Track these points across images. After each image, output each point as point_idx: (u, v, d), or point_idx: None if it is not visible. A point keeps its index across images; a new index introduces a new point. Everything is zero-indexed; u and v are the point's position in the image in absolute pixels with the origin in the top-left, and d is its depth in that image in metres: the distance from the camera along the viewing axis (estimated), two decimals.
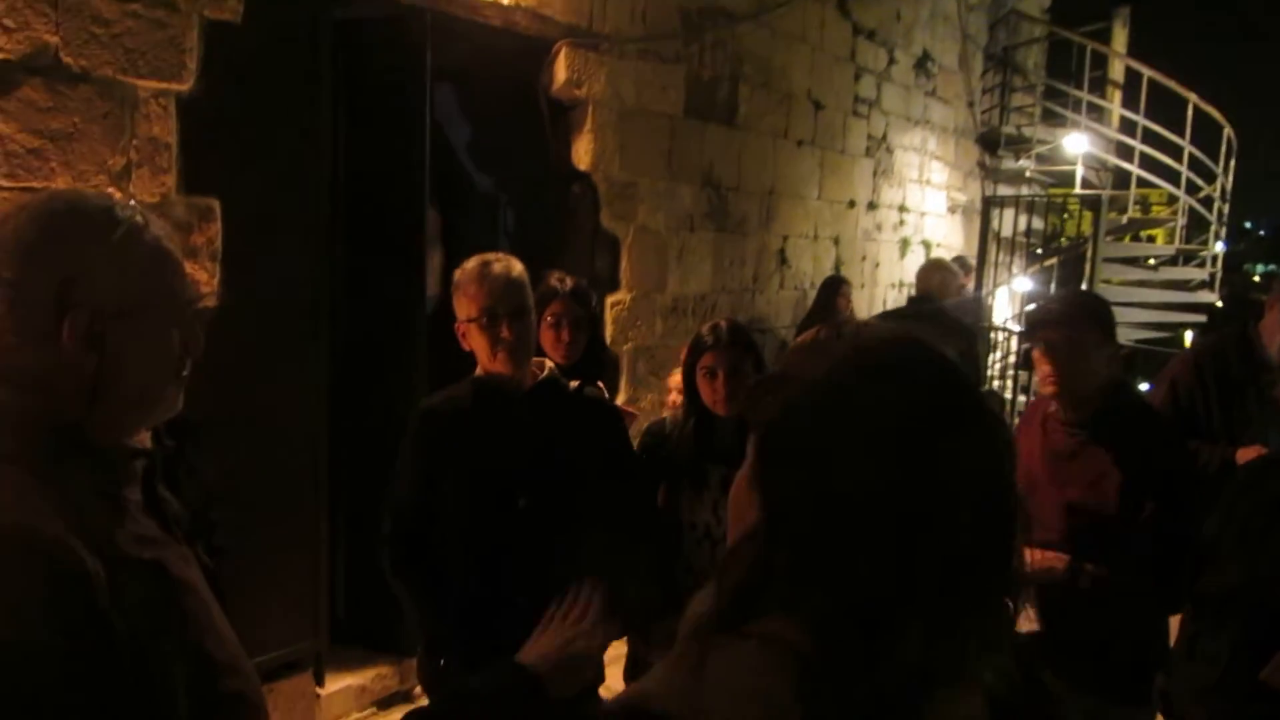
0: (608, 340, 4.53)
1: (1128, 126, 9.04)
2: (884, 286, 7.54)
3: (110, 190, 2.62)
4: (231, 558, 1.96)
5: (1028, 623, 1.97)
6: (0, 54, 2.40)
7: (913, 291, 5.85)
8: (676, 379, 4.07)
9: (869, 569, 0.73)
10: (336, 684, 3.50)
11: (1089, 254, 7.58)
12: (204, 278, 2.86)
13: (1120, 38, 10.44)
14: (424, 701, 3.43)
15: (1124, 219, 8.89)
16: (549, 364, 2.29)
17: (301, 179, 3.20)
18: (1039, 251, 8.00)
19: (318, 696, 3.42)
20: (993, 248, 7.95)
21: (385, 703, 3.64)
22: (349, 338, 3.55)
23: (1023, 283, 7.68)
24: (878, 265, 7.40)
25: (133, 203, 1.18)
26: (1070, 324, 2.29)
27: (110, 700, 0.99)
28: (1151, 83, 8.72)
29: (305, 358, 3.27)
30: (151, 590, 1.09)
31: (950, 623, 0.73)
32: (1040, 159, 9.15)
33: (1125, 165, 8.91)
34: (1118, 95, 9.76)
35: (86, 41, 2.57)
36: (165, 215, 2.70)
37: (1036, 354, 2.33)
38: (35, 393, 1.07)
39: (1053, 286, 7.53)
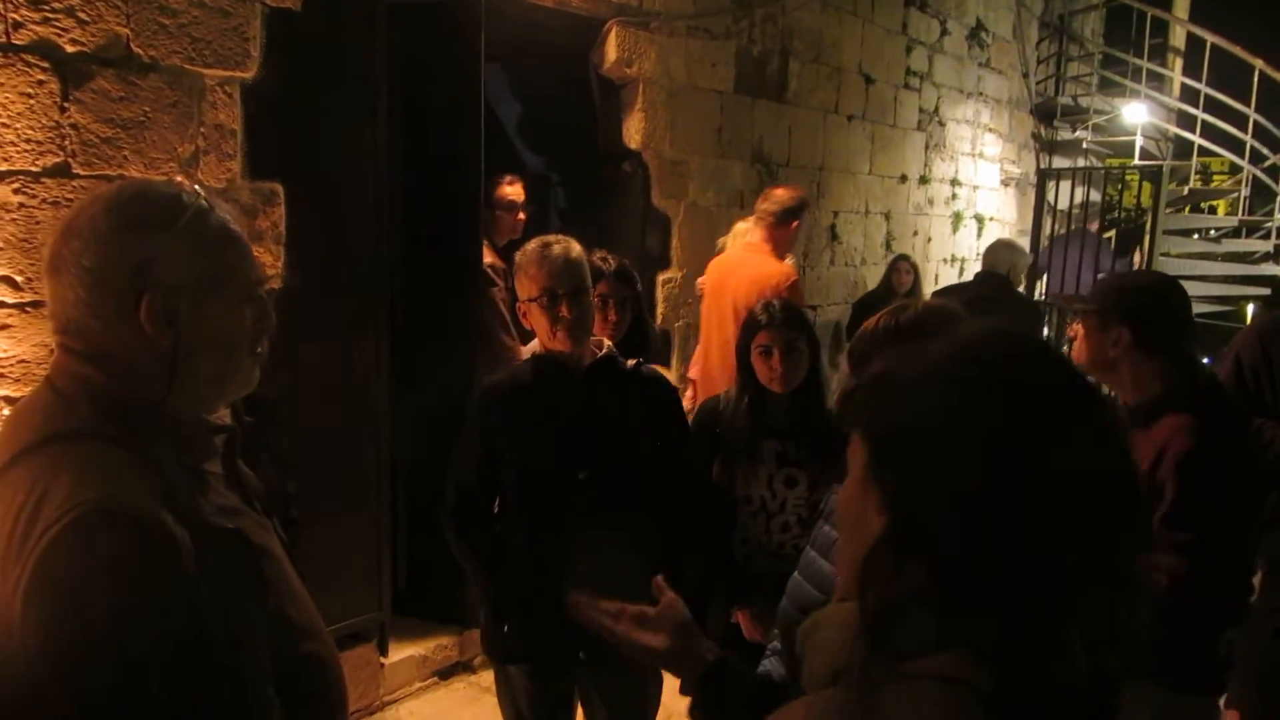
0: (659, 318, 4.56)
1: (1189, 95, 8.79)
2: (935, 262, 7.45)
3: (179, 177, 2.70)
4: (302, 530, 2.04)
5: None
6: (75, 46, 2.49)
7: (978, 268, 5.78)
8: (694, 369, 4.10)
9: (1019, 579, 0.72)
10: (399, 654, 3.60)
11: (1149, 226, 7.41)
12: (269, 260, 2.94)
13: (1182, 3, 10.12)
14: (485, 671, 3.52)
15: (1185, 190, 8.66)
16: (608, 342, 2.33)
17: (360, 161, 3.27)
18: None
19: (381, 666, 3.53)
20: (1047, 221, 7.81)
21: (446, 673, 3.73)
22: (409, 316, 3.61)
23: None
24: (929, 240, 7.32)
25: (197, 187, 1.21)
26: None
27: (200, 662, 1.04)
28: (1214, 49, 8.45)
29: (367, 336, 3.35)
30: (234, 558, 1.14)
31: (1102, 633, 0.73)
32: (1097, 130, 8.94)
33: (1187, 135, 8.67)
34: (1179, 63, 9.48)
35: (155, 32, 2.64)
36: (231, 200, 2.78)
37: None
38: (119, 372, 1.13)
39: (1111, 260, 7.38)
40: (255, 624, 1.15)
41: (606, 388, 2.23)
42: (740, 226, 4.13)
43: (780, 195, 3.88)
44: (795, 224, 3.88)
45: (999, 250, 5.19)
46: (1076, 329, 2.29)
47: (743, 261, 3.85)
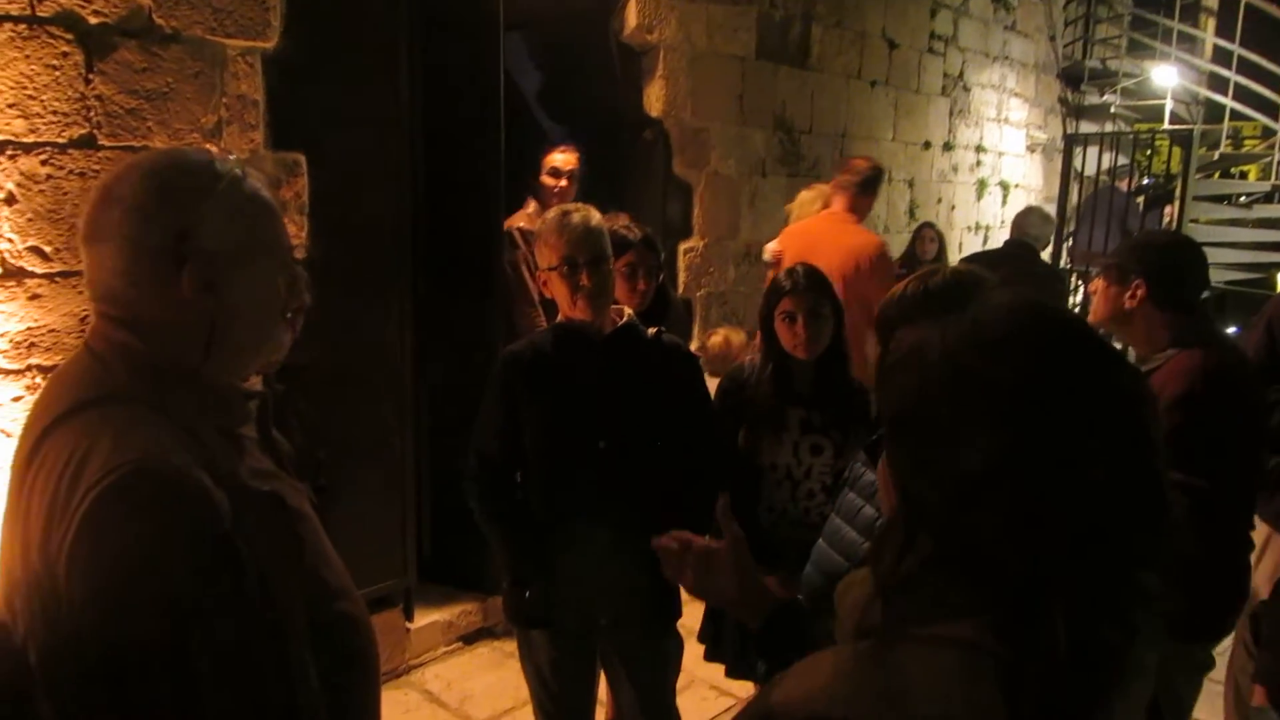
0: (681, 287, 4.55)
1: (1222, 56, 8.60)
2: (960, 229, 7.37)
3: (206, 146, 2.72)
4: (330, 496, 2.07)
5: None
6: (98, 18, 2.50)
7: (1004, 235, 5.73)
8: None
9: (1010, 553, 0.73)
10: (424, 619, 3.66)
11: (1178, 192, 7.29)
12: (293, 230, 2.96)
13: None
14: (509, 638, 3.58)
15: (1215, 155, 8.51)
16: (628, 310, 2.33)
17: (381, 130, 3.28)
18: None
19: (407, 631, 3.59)
20: (1074, 187, 7.70)
21: (470, 638, 3.79)
22: (432, 282, 3.63)
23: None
24: (954, 208, 7.24)
25: (231, 156, 1.23)
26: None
27: (239, 621, 1.06)
28: (1249, 8, 8.25)
29: (390, 303, 3.38)
30: (270, 519, 1.16)
31: (1116, 607, 0.73)
32: (1126, 94, 8.77)
33: (1218, 98, 8.49)
34: (1211, 23, 9.28)
35: (177, 3, 2.65)
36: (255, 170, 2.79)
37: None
38: (157, 338, 1.15)
39: (1140, 220, 7.28)
40: (291, 584, 1.17)
41: (627, 357, 2.24)
42: (806, 195, 4.28)
43: (860, 165, 4.08)
44: (874, 193, 4.11)
45: (1030, 217, 5.14)
46: (1096, 284, 2.36)
47: (830, 230, 3.97)
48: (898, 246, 6.27)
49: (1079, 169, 7.91)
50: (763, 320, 2.59)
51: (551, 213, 2.25)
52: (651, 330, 2.35)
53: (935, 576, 0.76)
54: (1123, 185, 7.08)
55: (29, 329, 2.46)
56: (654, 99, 4.38)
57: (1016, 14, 7.73)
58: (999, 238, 7.77)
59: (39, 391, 1.23)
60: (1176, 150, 7.37)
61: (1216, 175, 8.83)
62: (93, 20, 2.49)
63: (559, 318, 2.29)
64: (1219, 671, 2.46)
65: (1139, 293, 2.22)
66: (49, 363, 2.49)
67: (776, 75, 5.05)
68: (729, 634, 2.62)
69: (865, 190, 4.05)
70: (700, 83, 4.54)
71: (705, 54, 4.56)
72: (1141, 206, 7.33)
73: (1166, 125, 8.41)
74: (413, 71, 3.43)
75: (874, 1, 5.82)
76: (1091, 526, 0.72)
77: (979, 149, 7.49)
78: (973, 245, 7.35)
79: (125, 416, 1.09)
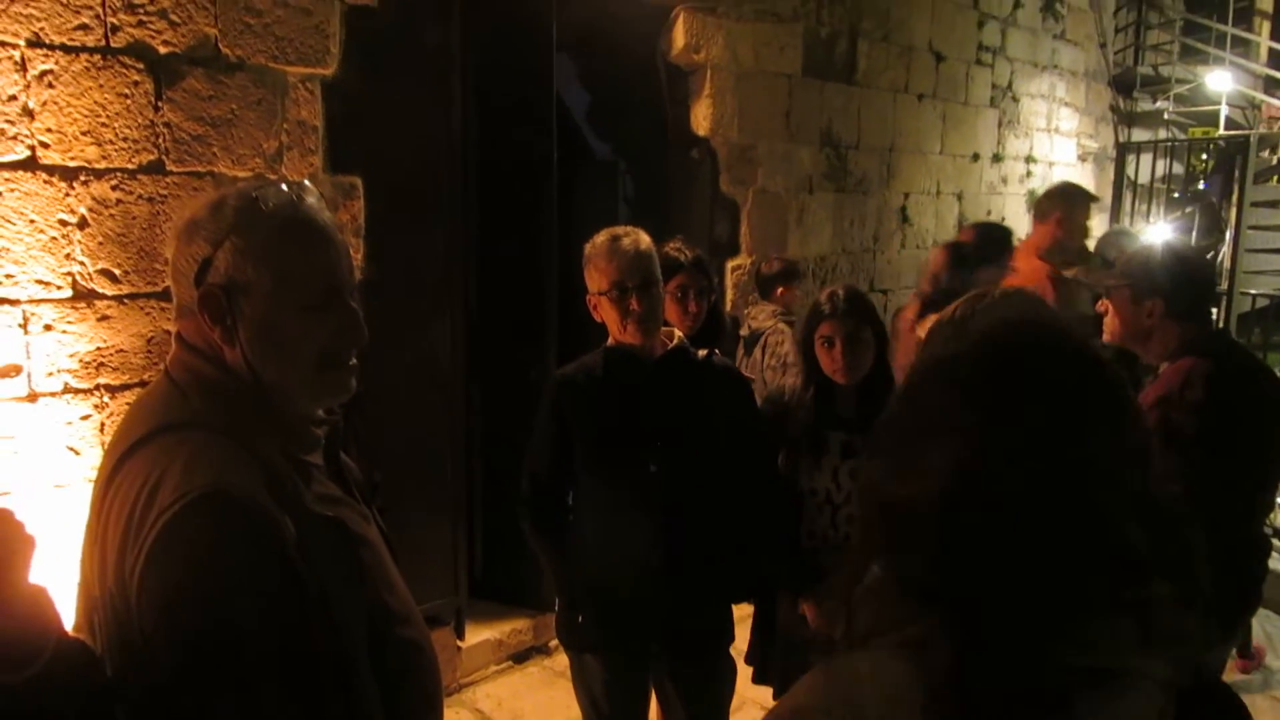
0: (729, 305, 4.55)
1: (1278, 59, 8.41)
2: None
3: (266, 172, 2.80)
4: (388, 518, 2.11)
5: None
6: (168, 47, 2.58)
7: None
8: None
9: (968, 585, 0.74)
10: (475, 637, 3.69)
11: (1234, 199, 7.14)
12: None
13: None
14: (560, 655, 3.59)
15: (1275, 159, 8.31)
16: (678, 333, 2.34)
17: (435, 152, 3.33)
18: (1177, 197, 7.57)
19: (459, 650, 3.62)
20: (1128, 196, 7.57)
21: (521, 656, 3.81)
22: (483, 305, 3.68)
23: (1161, 231, 7.29)
24: (1004, 219, 7.15)
25: (284, 186, 1.22)
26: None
27: (302, 643, 1.10)
28: None
29: (444, 324, 3.42)
30: (334, 545, 1.19)
31: (1068, 621, 0.72)
32: (1179, 100, 8.61)
33: (1275, 101, 8.30)
34: (1266, 27, 9.08)
35: (241, 32, 2.73)
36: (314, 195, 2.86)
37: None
38: (221, 365, 1.19)
39: (1194, 235, 7.13)
40: (354, 609, 1.20)
41: (677, 380, 2.24)
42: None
43: None
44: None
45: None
46: (1105, 305, 2.41)
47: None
48: None
49: (1132, 177, 7.77)
50: (803, 343, 2.56)
51: (601, 236, 2.25)
52: (702, 352, 2.35)
53: (889, 593, 0.79)
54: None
55: (98, 349, 2.54)
56: (701, 117, 4.40)
57: (1065, 22, 7.63)
58: None
59: (123, 416, 1.27)
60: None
61: (1275, 181, 8.63)
62: (163, 50, 2.57)
63: (609, 341, 2.30)
64: None
65: (1156, 309, 2.28)
66: (117, 382, 2.57)
67: (823, 91, 5.04)
68: (777, 656, 2.61)
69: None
70: (747, 101, 4.55)
71: (752, 72, 4.57)
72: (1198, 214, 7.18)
73: (1222, 131, 8.23)
74: (466, 94, 3.48)
75: (920, 15, 5.79)
76: (1057, 579, 0.71)
77: (1029, 159, 7.40)
78: None
79: (197, 442, 1.13)
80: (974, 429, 0.74)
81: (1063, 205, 3.94)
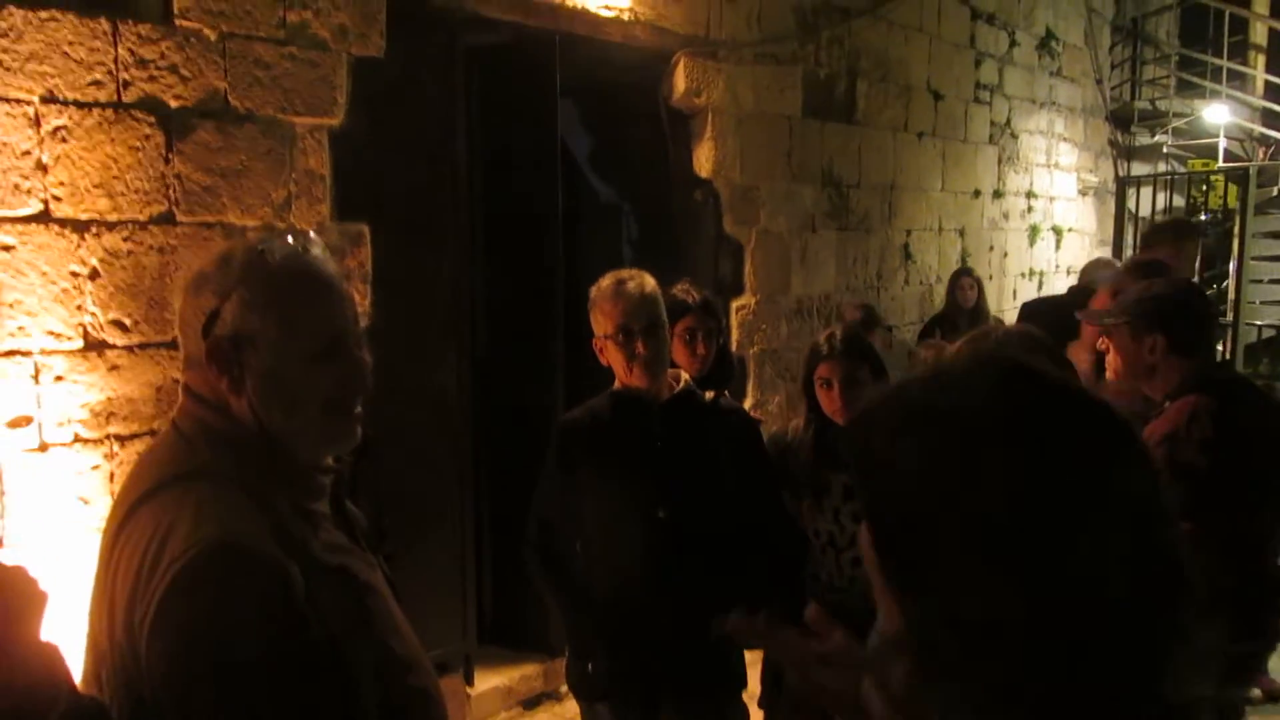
0: (734, 345, 4.57)
1: (1275, 92, 8.48)
2: (1013, 276, 7.31)
3: (274, 221, 2.83)
4: (392, 563, 2.10)
5: None
6: (179, 101, 2.63)
7: (1057, 280, 5.64)
8: None
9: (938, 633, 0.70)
10: (485, 684, 3.65)
11: (1236, 230, 7.16)
12: (356, 299, 3.04)
13: None
14: (570, 701, 3.55)
15: (1274, 191, 8.36)
16: (685, 375, 2.34)
17: (441, 198, 3.37)
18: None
19: (468, 696, 3.58)
20: (1129, 229, 7.60)
21: (531, 703, 3.77)
22: (492, 348, 3.69)
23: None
24: (1006, 255, 7.18)
25: (290, 238, 1.25)
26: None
27: (311, 693, 1.10)
28: None
29: (450, 370, 3.43)
30: (341, 593, 1.20)
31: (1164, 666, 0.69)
32: (1177, 133, 8.68)
33: (1273, 133, 8.36)
34: (1261, 60, 9.17)
35: (250, 85, 2.77)
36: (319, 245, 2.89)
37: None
38: (227, 415, 1.20)
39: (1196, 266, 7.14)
40: (360, 656, 1.20)
41: (685, 423, 2.24)
42: None
43: None
44: None
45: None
46: (1105, 343, 2.41)
47: None
48: (941, 295, 6.23)
49: (1133, 210, 7.80)
50: (804, 384, 2.57)
51: (606, 279, 2.25)
52: (709, 394, 2.35)
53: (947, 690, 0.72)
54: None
55: (108, 399, 2.56)
56: (703, 159, 4.44)
57: (1061, 60, 7.72)
58: (1053, 282, 7.68)
59: (132, 466, 1.28)
60: (1234, 188, 7.26)
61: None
62: (174, 104, 2.62)
63: (616, 384, 2.30)
64: None
65: (1159, 345, 2.26)
66: (126, 432, 2.58)
67: (823, 131, 5.10)
68: (786, 699, 2.59)
69: None
70: (748, 142, 4.61)
71: (753, 114, 4.63)
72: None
73: (1221, 163, 8.28)
74: (471, 140, 3.53)
75: (918, 55, 5.87)
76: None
77: (1029, 195, 7.45)
78: (1028, 292, 7.27)
79: (206, 492, 1.14)
80: (1037, 540, 0.68)
81: (1172, 238, 4.03)
